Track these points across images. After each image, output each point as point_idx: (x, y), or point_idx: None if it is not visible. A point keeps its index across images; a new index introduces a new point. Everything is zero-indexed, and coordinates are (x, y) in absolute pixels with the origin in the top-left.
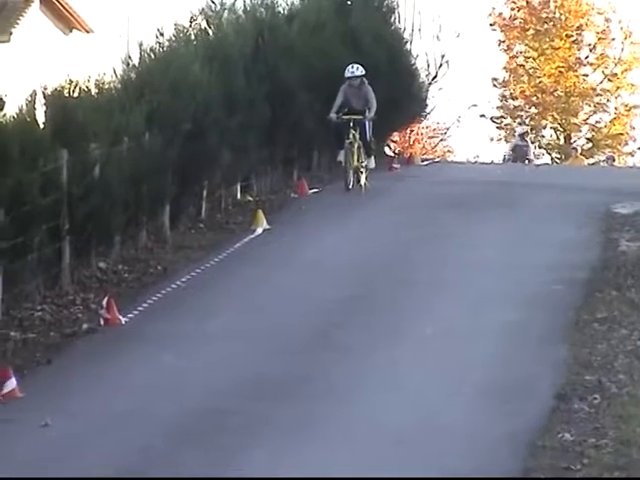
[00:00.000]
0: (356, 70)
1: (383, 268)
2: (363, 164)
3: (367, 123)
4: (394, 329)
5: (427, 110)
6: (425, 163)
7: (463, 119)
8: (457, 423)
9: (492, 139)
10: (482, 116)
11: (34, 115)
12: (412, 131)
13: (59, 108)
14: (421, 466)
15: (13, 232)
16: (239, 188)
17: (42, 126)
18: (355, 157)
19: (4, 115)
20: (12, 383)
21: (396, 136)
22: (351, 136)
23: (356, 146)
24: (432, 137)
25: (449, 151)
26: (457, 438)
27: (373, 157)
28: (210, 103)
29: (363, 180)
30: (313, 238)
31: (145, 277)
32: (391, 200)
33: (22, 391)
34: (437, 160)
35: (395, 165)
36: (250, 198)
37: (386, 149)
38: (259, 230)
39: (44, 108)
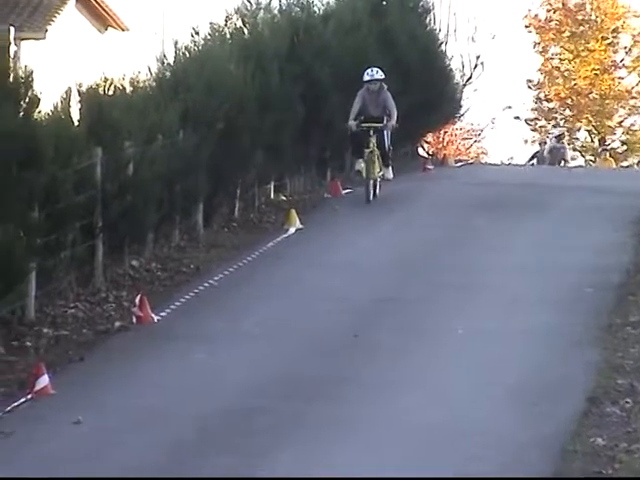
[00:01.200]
0: (375, 73)
1: (415, 269)
2: (380, 174)
3: (386, 132)
4: (426, 330)
5: (461, 111)
6: (459, 165)
7: (497, 121)
8: (487, 425)
9: (526, 141)
10: (516, 118)
11: (69, 113)
12: (446, 132)
13: (94, 106)
14: (450, 468)
15: (47, 229)
16: (272, 187)
17: (77, 124)
18: (375, 167)
19: (39, 112)
20: (45, 380)
21: (430, 137)
22: (371, 145)
23: (376, 155)
24: (466, 138)
25: (483, 153)
26: (487, 441)
27: (391, 168)
28: (244, 102)
29: (378, 192)
30: (346, 238)
31: (178, 276)
32: (424, 201)
33: (54, 388)
34: (471, 162)
35: (429, 166)
36: (283, 197)
37: (420, 150)
38: (292, 230)
39: (79, 106)
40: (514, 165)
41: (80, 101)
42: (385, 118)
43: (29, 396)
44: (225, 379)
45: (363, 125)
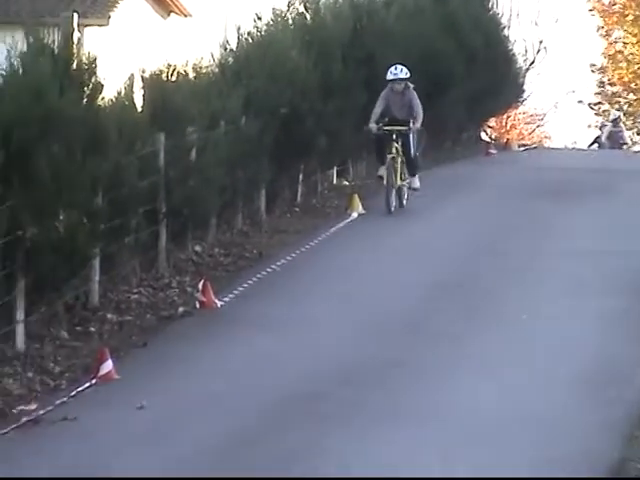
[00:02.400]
0: (400, 72)
1: (478, 254)
2: (406, 183)
3: (412, 135)
4: (489, 315)
5: (524, 96)
6: (522, 149)
7: (560, 105)
8: (552, 411)
9: (589, 125)
10: (580, 102)
11: (132, 99)
12: (509, 117)
13: (157, 92)
14: (513, 455)
15: (110, 215)
16: (335, 172)
17: (140, 110)
18: (398, 175)
19: (103, 99)
20: (109, 365)
21: (493, 122)
22: (394, 150)
23: (399, 161)
24: (529, 123)
25: (546, 137)
26: (551, 426)
27: (418, 176)
28: (307, 88)
29: (405, 202)
30: (408, 223)
31: (241, 261)
32: (487, 186)
33: (118, 373)
34: (534, 146)
35: (492, 150)
36: (346, 182)
37: (483, 134)
38: (354, 215)
39: (142, 92)
40: (577, 150)
41: (143, 87)
42: (411, 121)
43: (93, 381)
44: (287, 364)
45: (385, 128)
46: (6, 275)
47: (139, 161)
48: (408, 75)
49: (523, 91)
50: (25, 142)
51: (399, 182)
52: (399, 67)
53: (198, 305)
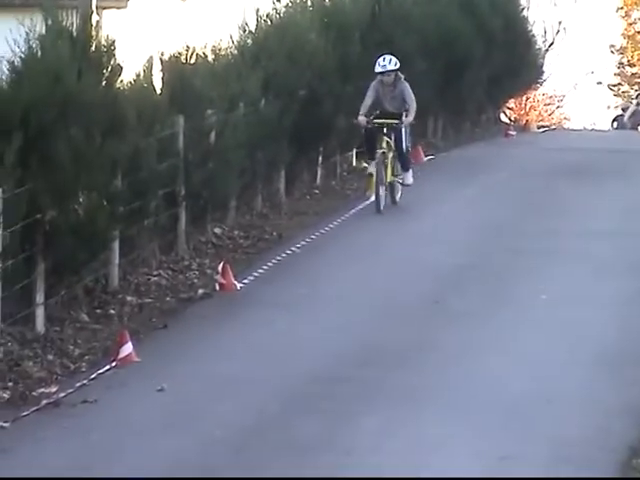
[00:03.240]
0: (389, 63)
1: (498, 235)
2: (399, 178)
3: (404, 129)
4: (508, 296)
5: (543, 77)
6: (541, 130)
7: (580, 86)
8: (573, 391)
9: (609, 106)
10: (599, 83)
11: (151, 81)
12: (528, 98)
13: (176, 74)
14: (535, 436)
15: (130, 197)
16: (354, 154)
17: (159, 92)
18: (389, 170)
19: (121, 81)
20: (129, 347)
21: (512, 103)
22: (384, 145)
23: (390, 156)
24: (548, 104)
25: (565, 118)
26: (573, 407)
27: (410, 171)
28: (326, 70)
29: (398, 197)
30: (428, 204)
31: (260, 243)
32: (507, 167)
33: (138, 355)
34: (553, 127)
35: (511, 132)
36: (365, 165)
37: (502, 116)
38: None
39: (161, 74)
40: (597, 131)
41: (162, 70)
42: (403, 114)
43: (113, 364)
44: (307, 346)
45: (375, 122)
46: (26, 258)
47: (158, 144)
48: (398, 66)
49: (542, 72)
50: (44, 125)
51: (390, 178)
52: (387, 58)
53: (218, 287)
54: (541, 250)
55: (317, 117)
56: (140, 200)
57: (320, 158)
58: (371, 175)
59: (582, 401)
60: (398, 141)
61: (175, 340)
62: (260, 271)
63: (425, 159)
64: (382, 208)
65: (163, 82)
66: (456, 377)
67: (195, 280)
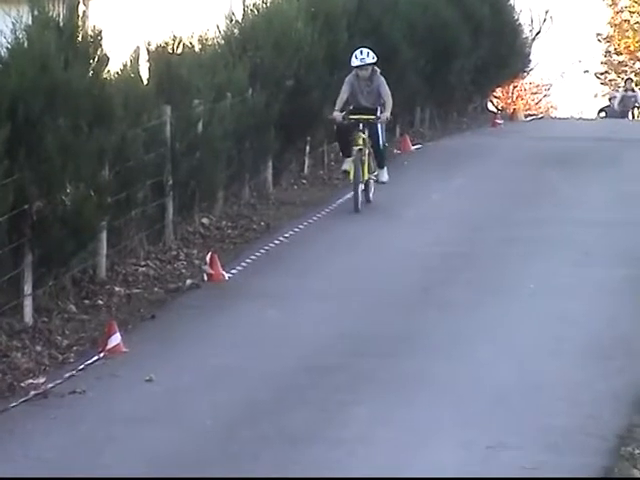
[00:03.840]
0: (366, 57)
1: (486, 224)
2: (373, 176)
3: (380, 126)
4: (496, 286)
5: (530, 66)
6: (528, 119)
7: (567, 75)
8: (560, 381)
9: (596, 95)
10: (586, 72)
11: (138, 71)
12: (515, 87)
13: (162, 64)
14: (523, 425)
15: (117, 187)
16: None
17: (146, 82)
18: (366, 168)
19: (108, 71)
20: (117, 338)
21: (499, 92)
22: (360, 141)
23: (367, 154)
24: (535, 93)
25: (552, 107)
26: (560, 396)
27: (386, 168)
28: (313, 60)
29: (372, 196)
30: (416, 193)
31: (248, 233)
32: (495, 156)
33: (126, 346)
34: (540, 116)
35: (498, 121)
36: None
37: (489, 105)
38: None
39: (148, 64)
40: (584, 119)
41: (149, 60)
42: (379, 109)
43: (101, 354)
44: (297, 336)
45: (351, 117)
46: (13, 249)
47: (145, 134)
48: (375, 59)
49: (529, 61)
50: (30, 115)
51: (367, 176)
52: (365, 51)
53: (206, 278)
54: (529, 239)
55: (305, 106)
56: (127, 190)
57: (308, 148)
58: (346, 172)
59: (570, 389)
60: (374, 137)
61: (163, 331)
62: (248, 261)
63: (412, 148)
64: (360, 207)
65: (150, 72)
66: (445, 366)
67: (183, 270)
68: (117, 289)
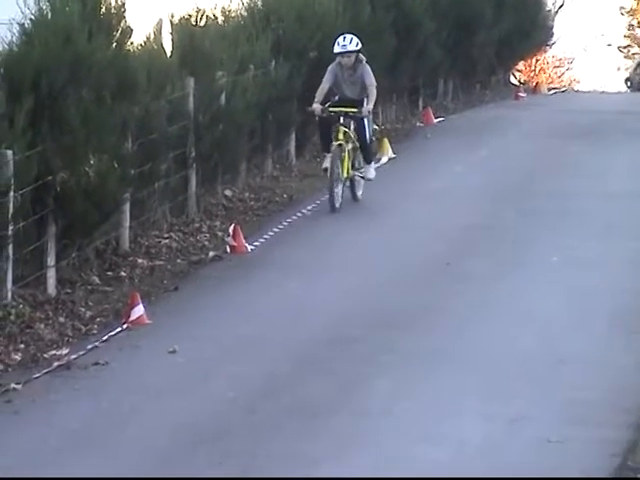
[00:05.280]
0: (349, 43)
1: (509, 197)
2: (360, 172)
3: (366, 118)
4: (519, 258)
5: (553, 39)
6: (551, 92)
7: (590, 48)
8: (585, 353)
9: (619, 68)
10: (609, 45)
11: (161, 43)
12: (538, 60)
13: (186, 36)
14: (547, 398)
15: (140, 160)
16: None
17: (169, 54)
18: (346, 165)
19: (132, 43)
20: (140, 310)
21: (522, 65)
22: (341, 136)
23: (348, 149)
24: (558, 67)
25: (575, 80)
26: (584, 369)
27: (373, 164)
28: (336, 32)
29: (359, 194)
30: (439, 166)
31: (271, 205)
32: (518, 129)
33: (150, 317)
34: (563, 89)
35: (521, 94)
36: (375, 127)
37: (512, 78)
38: (384, 159)
39: (171, 36)
40: (607, 93)
41: (172, 32)
42: (365, 101)
43: (124, 326)
44: (319, 308)
45: (331, 110)
46: (37, 220)
47: (168, 106)
48: (359, 46)
49: (552, 34)
50: (54, 87)
51: (349, 173)
52: (348, 37)
53: (228, 249)
54: (552, 211)
55: None
56: (151, 162)
57: None
58: (326, 170)
59: (595, 362)
60: (360, 131)
61: (186, 302)
62: (271, 233)
63: (435, 121)
64: (338, 207)
65: (173, 44)
66: (468, 339)
67: (206, 242)
68: (140, 261)
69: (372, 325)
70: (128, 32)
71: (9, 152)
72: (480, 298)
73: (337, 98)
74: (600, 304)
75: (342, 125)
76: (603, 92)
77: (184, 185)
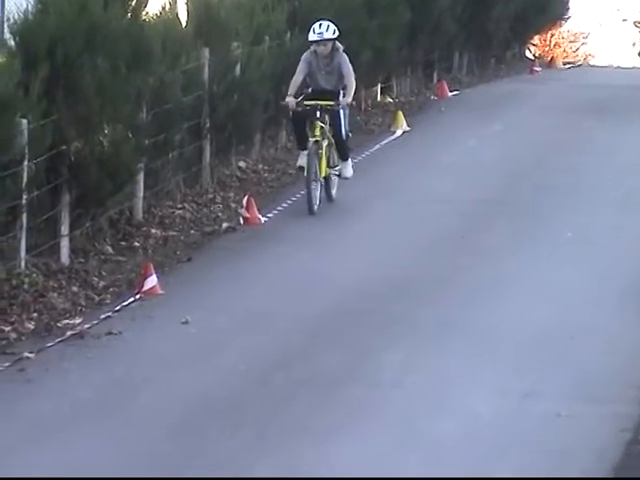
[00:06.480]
0: (325, 31)
1: (523, 171)
2: (335, 170)
3: (342, 112)
4: (533, 233)
5: (568, 14)
6: (566, 67)
7: (605, 24)
8: (597, 330)
9: (634, 44)
10: (624, 20)
11: (176, 13)
12: (553, 35)
13: (201, 6)
14: (560, 373)
15: (155, 130)
16: (379, 89)
17: (184, 24)
18: (323, 163)
19: (147, 13)
20: (153, 280)
21: (536, 40)
22: (317, 131)
23: (325, 145)
24: (573, 41)
25: (590, 55)
26: (597, 345)
27: (350, 161)
28: (351, 4)
29: (334, 193)
30: (453, 140)
31: (284, 177)
32: (532, 103)
33: (163, 288)
34: (579, 64)
35: (536, 68)
36: (390, 100)
37: (527, 52)
38: (399, 132)
39: (186, 6)
40: (622, 68)
41: (187, 1)
42: (341, 93)
43: (138, 296)
44: (331, 280)
45: (307, 103)
46: (51, 189)
47: (183, 76)
48: (336, 34)
49: (567, 9)
50: (69, 56)
51: (326, 171)
52: (324, 24)
53: (242, 221)
54: (567, 186)
55: None
56: (165, 133)
57: None
58: (302, 169)
59: (608, 338)
60: (335, 126)
61: (199, 273)
62: (284, 205)
63: (450, 94)
64: (316, 208)
65: (188, 14)
66: (480, 312)
67: (219, 213)
68: (153, 231)
69: (385, 297)
70: (143, 1)
71: (24, 121)
72: (494, 272)
73: (310, 90)
74: (614, 280)
75: (318, 120)
76: (618, 67)
77: (198, 156)
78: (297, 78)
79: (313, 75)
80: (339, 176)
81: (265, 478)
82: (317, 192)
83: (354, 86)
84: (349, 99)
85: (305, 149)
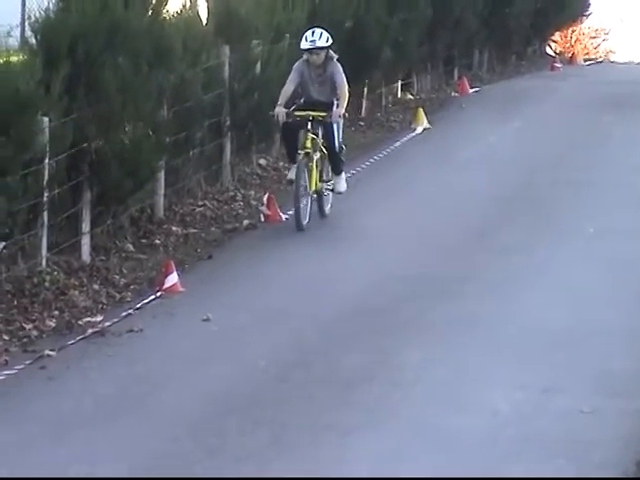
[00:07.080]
0: (318, 39)
1: (544, 167)
2: (328, 185)
3: (336, 124)
4: (554, 229)
5: (589, 10)
6: (587, 63)
7: (626, 19)
8: (617, 326)
9: None
10: None
11: (197, 11)
12: (574, 31)
13: (222, 4)
14: (580, 369)
15: (175, 127)
16: (399, 86)
17: (205, 22)
18: (314, 177)
19: (168, 11)
20: (174, 277)
21: (557, 36)
22: (309, 144)
23: (316, 159)
24: (594, 37)
25: (611, 52)
26: (617, 341)
27: (343, 174)
28: (372, 1)
29: (327, 209)
30: (474, 137)
31: None
32: (553, 99)
33: (183, 285)
34: (600, 60)
35: (557, 65)
36: (410, 96)
37: (548, 49)
38: (419, 129)
39: (207, 4)
40: None
41: (208, 0)
42: (335, 104)
43: (158, 293)
44: (351, 278)
45: (297, 114)
46: (72, 187)
47: (204, 74)
48: (330, 42)
49: (588, 5)
50: (91, 54)
51: (317, 185)
52: (317, 32)
53: (263, 218)
54: (588, 182)
55: (363, 48)
56: (186, 130)
57: (365, 90)
58: (291, 182)
59: (628, 334)
60: (328, 138)
61: (220, 271)
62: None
63: (470, 91)
64: (305, 224)
65: (209, 12)
66: (500, 309)
67: (240, 211)
68: (174, 229)
69: (403, 295)
70: (164, 0)
71: (45, 119)
72: (514, 268)
73: (302, 101)
74: (635, 276)
75: (310, 131)
76: (639, 64)
77: (219, 153)
78: (288, 88)
79: (305, 86)
80: (332, 191)
81: (266, 478)
82: (307, 207)
83: (347, 96)
84: (341, 110)
85: (295, 162)
